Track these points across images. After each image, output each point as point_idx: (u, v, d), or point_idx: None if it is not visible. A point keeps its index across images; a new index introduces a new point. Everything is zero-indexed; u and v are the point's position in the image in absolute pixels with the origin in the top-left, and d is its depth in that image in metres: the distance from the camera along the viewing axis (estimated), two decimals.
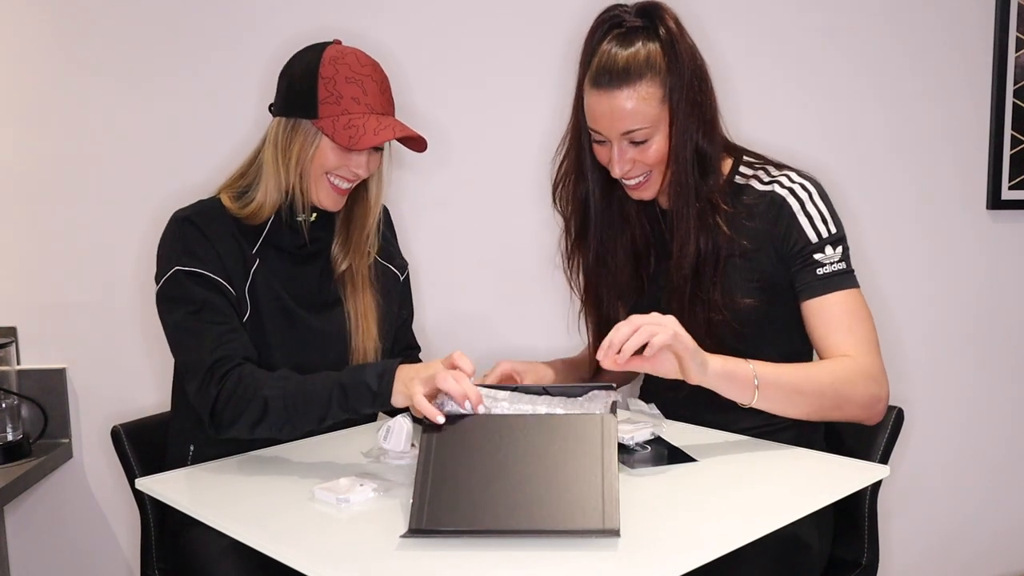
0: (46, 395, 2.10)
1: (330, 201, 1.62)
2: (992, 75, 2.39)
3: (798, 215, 1.59)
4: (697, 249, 1.59)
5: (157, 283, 1.57)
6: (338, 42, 1.62)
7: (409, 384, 1.37)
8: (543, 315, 2.19)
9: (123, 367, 2.11)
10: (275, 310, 1.61)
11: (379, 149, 1.63)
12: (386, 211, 1.82)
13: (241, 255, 1.60)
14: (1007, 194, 2.43)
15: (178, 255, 1.55)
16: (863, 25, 2.30)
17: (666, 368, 1.41)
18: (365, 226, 1.70)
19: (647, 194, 1.63)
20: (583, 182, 1.68)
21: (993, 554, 2.58)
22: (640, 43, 1.54)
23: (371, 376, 1.41)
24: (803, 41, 2.28)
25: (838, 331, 1.56)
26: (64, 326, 2.11)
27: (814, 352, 1.66)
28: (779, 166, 1.65)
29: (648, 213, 1.71)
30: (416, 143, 1.64)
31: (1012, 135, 2.40)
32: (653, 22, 1.56)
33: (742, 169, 1.65)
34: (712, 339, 1.56)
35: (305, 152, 1.58)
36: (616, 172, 1.59)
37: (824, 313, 1.57)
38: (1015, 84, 2.39)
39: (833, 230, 1.59)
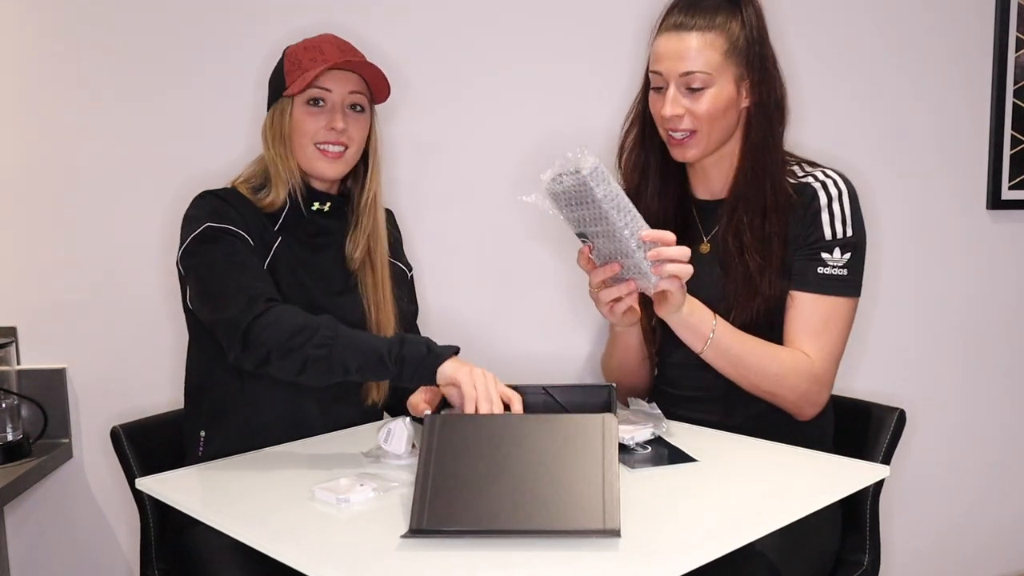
0: (46, 395, 2.10)
1: (326, 167, 1.67)
2: (992, 75, 2.39)
3: (823, 210, 1.60)
4: (774, 211, 1.61)
5: (182, 244, 1.61)
6: None
7: (459, 370, 1.40)
8: (543, 316, 2.19)
9: (123, 367, 2.11)
10: (294, 289, 1.64)
11: (359, 110, 1.69)
12: (391, 214, 1.86)
13: (263, 231, 1.64)
14: (1007, 194, 2.43)
15: (207, 216, 1.60)
16: (863, 25, 2.30)
17: (624, 319, 1.54)
18: (367, 199, 1.73)
19: (689, 153, 1.63)
20: (643, 155, 1.73)
21: (994, 554, 2.58)
22: (724, 8, 1.61)
23: (430, 343, 1.46)
24: (802, 41, 2.28)
25: (808, 331, 1.58)
26: (64, 326, 2.11)
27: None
28: (812, 163, 1.68)
29: (684, 205, 1.74)
30: (377, 84, 1.69)
31: (1012, 135, 2.40)
32: (744, 3, 1.62)
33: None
34: (761, 320, 1.61)
35: (285, 124, 1.66)
36: (666, 111, 1.60)
37: (805, 309, 1.59)
38: (1015, 84, 2.39)
39: (850, 234, 1.60)
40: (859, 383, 2.24)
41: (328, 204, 1.72)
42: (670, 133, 1.63)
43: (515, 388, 1.46)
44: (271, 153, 1.68)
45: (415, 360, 1.43)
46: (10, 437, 2.00)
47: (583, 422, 1.27)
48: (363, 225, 1.73)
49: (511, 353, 2.11)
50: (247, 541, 1.19)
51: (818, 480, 1.41)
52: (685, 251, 1.44)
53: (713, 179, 1.71)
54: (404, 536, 1.13)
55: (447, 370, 1.42)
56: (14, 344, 2.07)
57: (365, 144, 1.72)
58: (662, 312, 1.53)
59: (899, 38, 2.33)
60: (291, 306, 1.50)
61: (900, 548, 2.43)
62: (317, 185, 1.72)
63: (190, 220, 1.63)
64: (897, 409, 1.71)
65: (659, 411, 1.64)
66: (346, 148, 1.67)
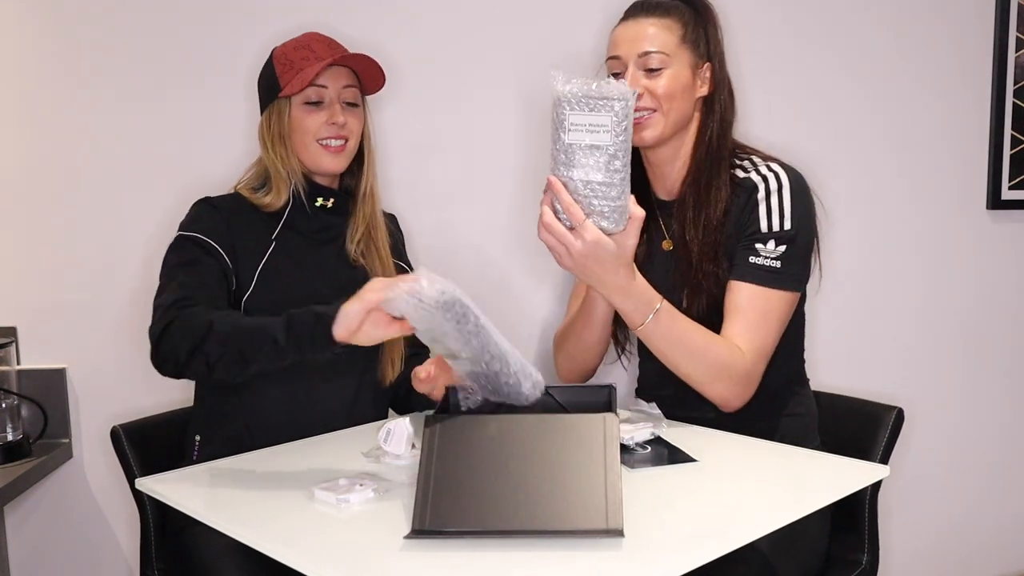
0: (46, 395, 2.10)
1: (330, 161, 1.70)
2: (992, 75, 2.39)
3: (761, 202, 1.61)
4: (715, 213, 1.63)
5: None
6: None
7: (350, 308, 1.32)
8: (544, 316, 2.19)
9: (123, 367, 2.11)
10: (296, 286, 1.65)
11: (353, 105, 1.72)
12: (394, 217, 1.90)
13: (255, 239, 1.67)
14: (1007, 194, 2.43)
15: (184, 225, 1.67)
16: (863, 25, 2.30)
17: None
18: (364, 190, 1.76)
19: (647, 133, 1.65)
20: None
21: (993, 553, 2.58)
22: (674, 3, 1.67)
23: (316, 309, 1.37)
24: (802, 40, 2.28)
25: (740, 322, 1.58)
26: (64, 326, 2.11)
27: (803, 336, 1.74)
28: (766, 158, 1.68)
29: (648, 207, 1.71)
30: (370, 75, 1.72)
31: (1012, 135, 2.40)
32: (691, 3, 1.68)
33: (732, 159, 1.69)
34: (712, 313, 1.62)
35: (283, 125, 1.69)
36: (629, 84, 1.60)
37: (736, 298, 1.59)
38: (1015, 84, 2.39)
39: (787, 227, 1.60)
40: (858, 382, 2.23)
41: (332, 200, 1.75)
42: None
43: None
44: (270, 155, 1.71)
45: (307, 331, 1.35)
46: (10, 437, 2.00)
47: (584, 422, 1.27)
48: (363, 214, 1.76)
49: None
50: (247, 541, 1.19)
51: (818, 480, 1.41)
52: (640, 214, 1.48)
53: (668, 177, 1.73)
54: (407, 537, 1.13)
55: (341, 323, 1.32)
56: (14, 344, 2.07)
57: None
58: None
59: (899, 38, 2.33)
60: (201, 308, 1.50)
61: (899, 547, 2.43)
62: (320, 180, 1.75)
63: (182, 222, 1.69)
64: (896, 408, 1.71)
65: (659, 411, 1.65)
66: (347, 141, 1.71)
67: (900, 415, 1.70)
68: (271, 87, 1.71)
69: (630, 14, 1.68)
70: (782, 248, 1.59)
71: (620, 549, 1.11)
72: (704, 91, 1.69)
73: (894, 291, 2.40)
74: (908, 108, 2.35)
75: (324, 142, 1.69)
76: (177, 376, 1.49)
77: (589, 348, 1.78)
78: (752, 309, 1.58)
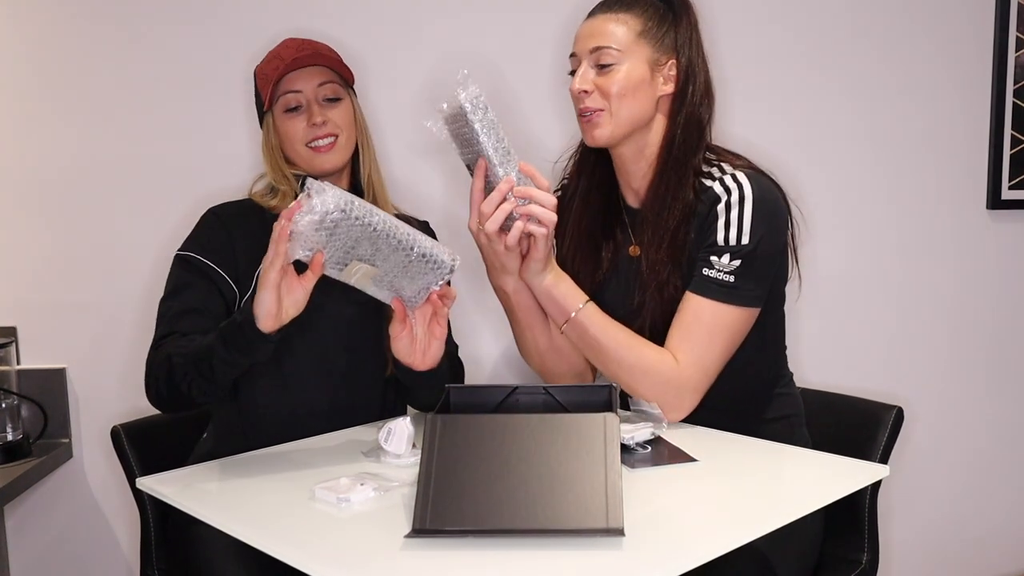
0: (46, 395, 2.10)
1: (323, 160, 1.69)
2: (992, 75, 2.39)
3: (721, 214, 1.54)
4: (679, 217, 1.58)
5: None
6: None
7: (262, 287, 1.34)
8: None
9: (123, 367, 2.11)
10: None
11: (334, 100, 1.70)
12: (427, 224, 1.89)
13: (258, 245, 1.59)
14: (1007, 194, 2.43)
15: (187, 243, 1.67)
16: (862, 24, 2.31)
17: (513, 262, 1.55)
18: (365, 179, 1.76)
19: (597, 132, 1.60)
20: (579, 159, 1.75)
21: (993, 553, 2.58)
22: None
23: (236, 316, 1.41)
24: (801, 40, 2.28)
25: (682, 333, 1.54)
26: (64, 326, 2.11)
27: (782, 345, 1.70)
28: (737, 164, 1.60)
29: (615, 209, 1.72)
30: (342, 66, 1.72)
31: (1012, 135, 2.41)
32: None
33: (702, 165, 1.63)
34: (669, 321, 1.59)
35: (272, 137, 1.72)
36: (574, 85, 1.59)
37: (686, 309, 1.55)
38: (1015, 84, 2.39)
39: (744, 242, 1.53)
40: (858, 381, 2.24)
41: None
42: (580, 112, 1.62)
43: (516, 388, 1.47)
44: (270, 169, 1.73)
45: (239, 339, 1.39)
46: (10, 437, 2.00)
47: (584, 421, 1.27)
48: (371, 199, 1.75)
49: (512, 354, 2.11)
50: (247, 540, 1.19)
51: (818, 480, 1.41)
52: (551, 199, 1.49)
53: (635, 178, 1.67)
54: (407, 536, 1.13)
55: (260, 314, 1.34)
56: (14, 344, 2.07)
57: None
58: (525, 273, 1.57)
59: (899, 38, 2.33)
60: (168, 343, 1.54)
61: (898, 547, 2.43)
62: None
63: (190, 237, 1.70)
64: (895, 407, 1.71)
65: (659, 411, 1.65)
66: (336, 137, 1.69)
67: (900, 414, 1.70)
68: (259, 104, 1.73)
69: (593, 11, 1.63)
70: (736, 263, 1.52)
71: (620, 548, 1.11)
72: (668, 89, 1.61)
73: (894, 291, 2.40)
74: (908, 108, 2.35)
75: (312, 144, 1.68)
76: (173, 411, 1.61)
77: (551, 348, 1.70)
78: (697, 321, 1.53)
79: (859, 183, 2.34)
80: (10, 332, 2.09)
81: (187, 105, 2.08)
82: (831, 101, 2.31)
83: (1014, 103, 2.40)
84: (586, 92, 1.58)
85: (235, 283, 1.64)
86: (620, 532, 1.11)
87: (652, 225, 1.60)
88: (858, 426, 1.73)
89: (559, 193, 1.75)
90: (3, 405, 2.01)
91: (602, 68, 1.57)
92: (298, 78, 1.67)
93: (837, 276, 2.33)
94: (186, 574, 1.53)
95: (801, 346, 1.77)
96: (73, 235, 2.09)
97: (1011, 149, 2.41)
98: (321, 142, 1.68)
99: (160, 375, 1.51)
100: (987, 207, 2.44)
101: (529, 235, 1.52)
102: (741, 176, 1.56)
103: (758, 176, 1.58)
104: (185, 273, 1.63)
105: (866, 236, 2.37)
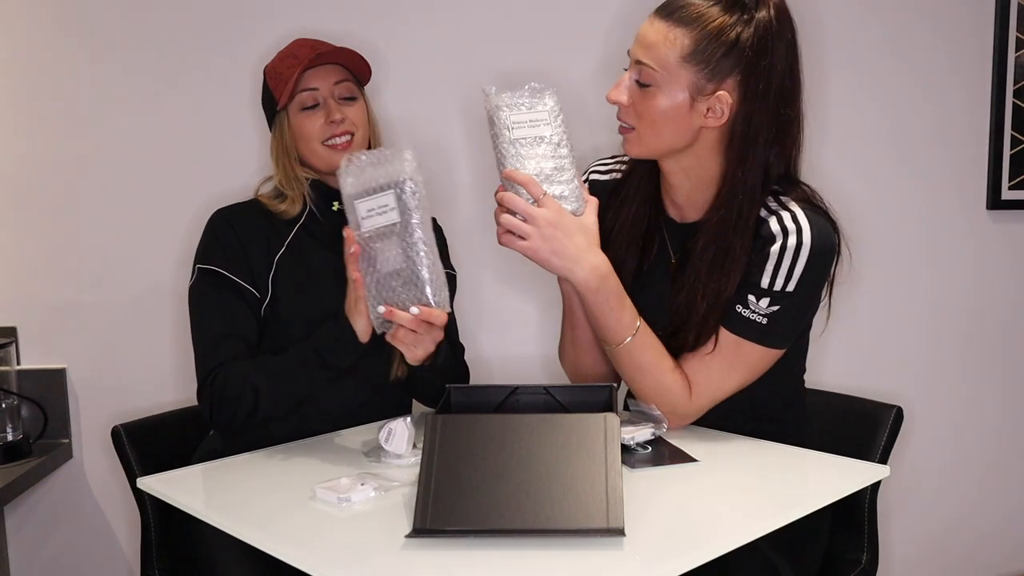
0: (46, 395, 2.10)
1: (336, 158, 1.64)
2: (992, 75, 2.39)
3: (772, 257, 1.45)
4: (728, 284, 1.49)
5: (190, 278, 1.69)
6: None
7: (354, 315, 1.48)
8: (544, 316, 2.19)
9: (123, 367, 2.11)
10: (308, 294, 1.66)
11: (350, 99, 1.70)
12: (435, 221, 1.82)
13: (267, 249, 1.68)
14: (1007, 194, 2.43)
15: (201, 255, 1.67)
16: (862, 24, 2.31)
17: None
18: None
19: (629, 149, 1.53)
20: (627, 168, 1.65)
21: (992, 553, 2.58)
22: (721, 7, 1.43)
23: (329, 330, 1.52)
24: (801, 40, 2.28)
25: (702, 361, 1.51)
26: (64, 326, 2.11)
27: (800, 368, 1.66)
28: (796, 196, 1.49)
29: (656, 224, 1.64)
30: (359, 66, 1.71)
31: (1012, 135, 2.41)
32: (758, 7, 1.44)
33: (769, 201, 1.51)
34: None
35: (286, 136, 1.70)
36: (608, 94, 1.49)
37: (712, 341, 1.51)
38: (1015, 84, 2.39)
39: (790, 289, 1.45)
40: (857, 381, 2.24)
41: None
42: (617, 120, 1.53)
43: (516, 388, 1.47)
44: (279, 170, 1.72)
45: (331, 345, 1.51)
46: (10, 437, 2.00)
47: (585, 421, 1.27)
48: None
49: (512, 353, 2.11)
50: (248, 540, 1.20)
51: (818, 480, 1.41)
52: (527, 209, 1.44)
53: (679, 194, 1.57)
54: (408, 536, 1.13)
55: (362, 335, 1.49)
56: (14, 344, 2.07)
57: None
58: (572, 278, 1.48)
59: (899, 38, 2.33)
60: (236, 372, 1.56)
61: (898, 548, 2.43)
62: (334, 184, 1.69)
63: (198, 248, 1.69)
64: (895, 407, 1.71)
65: (659, 411, 1.65)
66: (352, 135, 1.69)
67: (899, 414, 1.70)
68: (270, 103, 1.72)
69: (658, 9, 1.47)
70: (775, 308, 1.46)
71: (620, 548, 1.11)
72: (711, 123, 1.45)
73: (894, 291, 2.40)
74: (908, 108, 2.35)
75: (329, 142, 1.68)
76: (236, 433, 1.61)
77: (588, 349, 1.67)
78: (719, 354, 1.50)
79: (859, 183, 2.34)
80: (10, 332, 2.09)
81: (191, 105, 2.08)
82: (830, 101, 2.30)
83: (1014, 103, 2.40)
84: (620, 103, 1.49)
85: (256, 290, 1.65)
86: (620, 532, 1.11)
87: (705, 273, 1.49)
88: (858, 425, 1.73)
89: (611, 181, 1.67)
90: (3, 405, 2.01)
91: (640, 85, 1.46)
92: (315, 76, 1.68)
93: (836, 276, 2.33)
94: (187, 574, 1.53)
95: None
96: (73, 235, 2.09)
97: (1011, 149, 2.41)
98: (338, 140, 1.68)
99: (240, 408, 1.54)
100: (987, 207, 2.44)
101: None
102: (801, 218, 1.45)
103: (817, 218, 1.47)
104: (213, 292, 1.64)
105: (866, 236, 2.36)
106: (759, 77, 1.43)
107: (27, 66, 2.05)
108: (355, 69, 1.73)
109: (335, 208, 1.71)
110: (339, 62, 1.70)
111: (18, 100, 2.06)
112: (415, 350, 1.47)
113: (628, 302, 1.51)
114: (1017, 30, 2.37)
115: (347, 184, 1.42)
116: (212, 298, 1.64)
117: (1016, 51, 2.38)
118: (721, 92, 1.43)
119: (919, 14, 2.33)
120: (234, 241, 1.66)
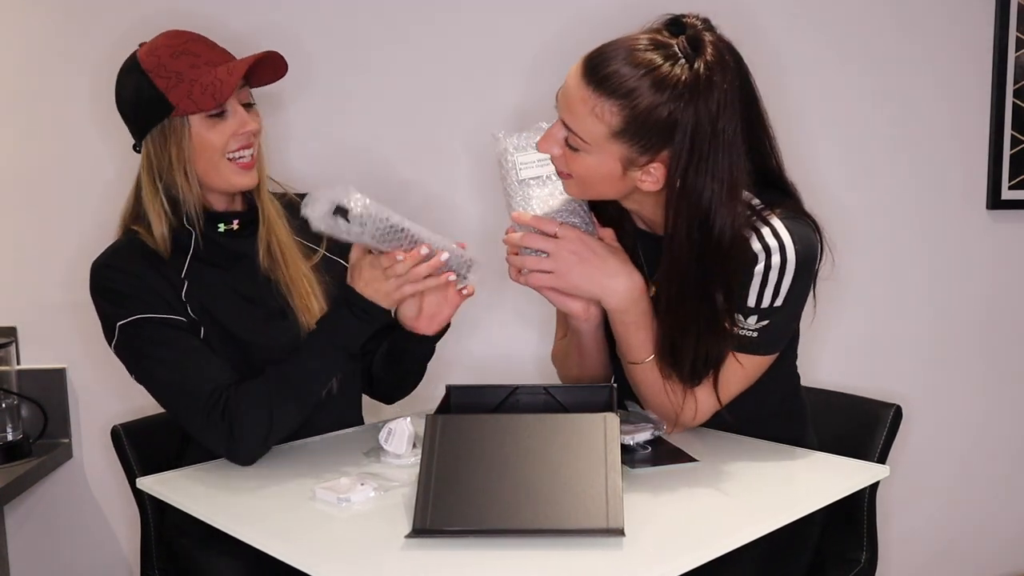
0: (46, 395, 2.10)
1: (241, 178, 1.50)
2: (992, 75, 2.39)
3: (756, 276, 1.40)
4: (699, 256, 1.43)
5: (109, 343, 1.49)
6: (142, 45, 1.51)
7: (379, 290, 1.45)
8: (544, 317, 2.19)
9: (123, 367, 2.11)
10: (211, 323, 1.51)
11: (251, 105, 1.51)
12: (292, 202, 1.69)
13: (170, 284, 1.48)
14: (1007, 194, 2.43)
15: (115, 309, 1.46)
16: (862, 24, 2.31)
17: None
18: (262, 190, 1.58)
19: (568, 190, 1.46)
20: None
21: (992, 553, 2.58)
22: (651, 82, 1.30)
23: (342, 313, 1.48)
24: (801, 40, 2.28)
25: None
26: (64, 326, 2.11)
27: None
28: (776, 207, 1.43)
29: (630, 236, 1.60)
30: (273, 67, 1.51)
31: (1012, 135, 2.41)
32: (690, 63, 1.30)
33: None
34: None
35: (183, 149, 1.46)
36: (540, 144, 1.42)
37: None
38: (1015, 84, 2.39)
39: (778, 304, 1.42)
40: (857, 380, 2.23)
41: (236, 221, 1.56)
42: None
43: (516, 388, 1.47)
44: (156, 197, 1.50)
45: (350, 326, 1.48)
46: (10, 437, 2.00)
47: (585, 421, 1.27)
48: (265, 222, 1.57)
49: (511, 354, 2.11)
50: (248, 540, 1.20)
51: (817, 480, 1.41)
52: (529, 259, 1.45)
53: (644, 216, 1.52)
54: (408, 536, 1.13)
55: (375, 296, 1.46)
56: (14, 344, 2.07)
57: None
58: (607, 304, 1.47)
59: (899, 38, 2.33)
60: (240, 394, 1.42)
61: (897, 547, 2.43)
62: (217, 205, 1.55)
63: (100, 309, 1.49)
64: (894, 405, 1.71)
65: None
66: (252, 151, 1.51)
67: (899, 412, 1.70)
68: (155, 107, 1.44)
69: (584, 65, 1.33)
70: (764, 323, 1.44)
71: (620, 548, 1.11)
72: (648, 187, 1.37)
73: (894, 290, 2.40)
74: (908, 108, 2.35)
75: (235, 156, 1.48)
76: (264, 447, 1.48)
77: (595, 369, 1.66)
78: (719, 370, 1.50)
79: (858, 183, 2.34)
80: (10, 332, 2.09)
81: None
82: (830, 101, 2.31)
83: (1014, 103, 2.40)
84: (552, 155, 1.42)
85: (182, 317, 1.48)
86: (620, 532, 1.11)
87: (677, 264, 1.42)
88: (857, 424, 1.73)
89: None
90: (3, 405, 2.01)
91: (570, 147, 1.37)
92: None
93: (836, 275, 2.32)
94: (187, 574, 1.53)
95: (799, 345, 1.77)
96: (73, 235, 2.09)
97: (1011, 149, 2.41)
98: (246, 153, 1.48)
99: (263, 428, 1.42)
100: (987, 207, 2.44)
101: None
102: (783, 232, 1.39)
103: (797, 226, 1.41)
104: (155, 335, 1.44)
105: (865, 236, 2.37)
106: (696, 143, 1.32)
107: (27, 66, 2.05)
108: (254, 71, 1.50)
109: (222, 230, 1.55)
110: (265, 65, 1.50)
111: (18, 100, 2.06)
112: (445, 309, 1.54)
113: (652, 320, 1.49)
114: (1017, 30, 2.37)
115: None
116: (155, 341, 1.44)
117: (1016, 51, 2.38)
118: (654, 164, 1.35)
119: (918, 14, 2.33)
120: (135, 284, 1.45)
